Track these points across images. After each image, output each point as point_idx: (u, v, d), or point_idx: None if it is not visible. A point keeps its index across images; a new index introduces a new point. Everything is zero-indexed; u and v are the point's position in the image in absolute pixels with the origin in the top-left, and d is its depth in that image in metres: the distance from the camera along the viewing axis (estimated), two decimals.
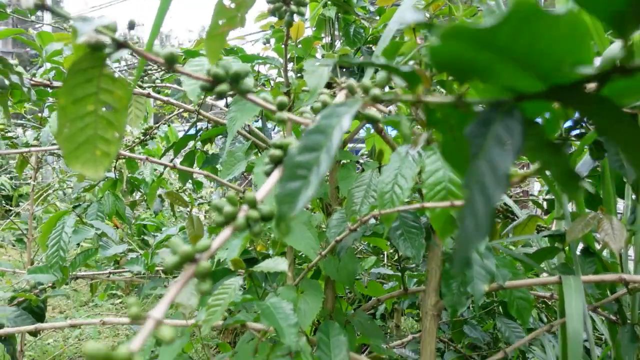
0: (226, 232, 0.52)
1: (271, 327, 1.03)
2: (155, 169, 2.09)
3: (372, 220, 1.14)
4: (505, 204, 1.61)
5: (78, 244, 1.31)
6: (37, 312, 1.25)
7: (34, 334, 1.22)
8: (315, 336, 0.99)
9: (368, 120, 0.57)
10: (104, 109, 0.59)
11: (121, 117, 0.59)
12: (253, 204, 0.54)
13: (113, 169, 1.63)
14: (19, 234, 3.06)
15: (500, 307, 1.58)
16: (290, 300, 0.92)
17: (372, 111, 0.57)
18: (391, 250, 1.95)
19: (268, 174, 0.61)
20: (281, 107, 0.65)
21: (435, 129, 0.60)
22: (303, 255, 1.24)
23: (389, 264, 1.92)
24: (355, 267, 1.18)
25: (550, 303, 1.71)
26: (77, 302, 3.45)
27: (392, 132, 1.33)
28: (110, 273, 1.39)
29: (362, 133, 1.61)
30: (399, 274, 1.31)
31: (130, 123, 1.49)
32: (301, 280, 1.05)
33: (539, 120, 0.39)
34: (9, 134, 2.04)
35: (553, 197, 1.41)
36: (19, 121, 2.19)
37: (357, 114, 0.56)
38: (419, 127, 0.80)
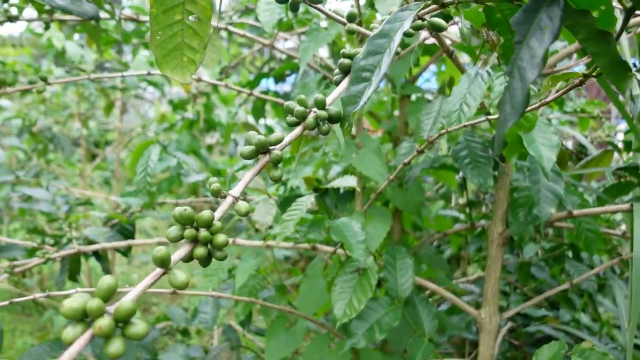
0: (297, 130, 0.57)
1: (339, 250, 1.08)
2: (230, 112, 2.18)
3: (441, 151, 1.16)
4: (580, 144, 1.57)
5: (162, 172, 1.41)
6: (126, 234, 1.37)
7: (124, 252, 1.34)
8: (382, 258, 1.03)
9: (433, 28, 0.59)
10: (190, 18, 0.64)
11: (205, 27, 0.64)
12: (322, 105, 0.58)
13: (191, 108, 1.72)
14: (106, 176, 3.28)
15: (569, 251, 1.57)
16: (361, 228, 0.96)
17: (438, 19, 0.59)
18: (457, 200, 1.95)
19: (337, 82, 0.64)
20: (351, 18, 0.68)
21: (497, 32, 0.61)
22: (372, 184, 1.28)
23: (456, 207, 1.92)
24: (423, 198, 1.21)
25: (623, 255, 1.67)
26: (164, 227, 3.66)
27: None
28: (190, 201, 1.50)
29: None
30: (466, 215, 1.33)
31: (205, 65, 1.56)
32: (369, 207, 1.09)
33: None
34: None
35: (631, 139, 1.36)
36: (105, 65, 2.33)
37: (422, 23, 0.58)
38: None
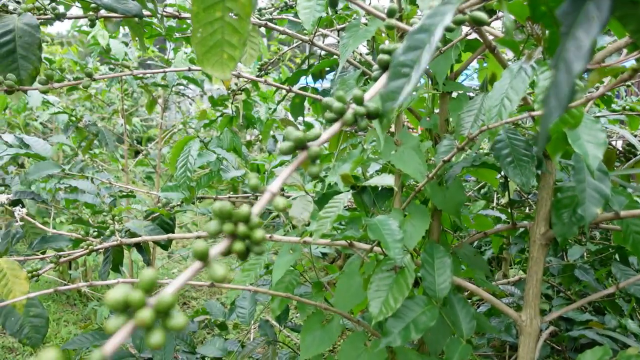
0: (335, 126, 0.56)
1: (376, 247, 1.07)
2: (270, 108, 2.19)
3: (482, 150, 1.13)
4: (629, 144, 1.51)
5: (202, 167, 1.43)
6: (166, 228, 1.39)
7: (164, 246, 1.37)
8: (420, 257, 1.02)
9: (475, 23, 0.58)
10: (230, 15, 0.64)
11: (244, 24, 0.64)
12: (360, 102, 0.57)
13: (231, 104, 1.74)
14: (148, 171, 3.36)
15: (616, 254, 1.51)
16: (399, 226, 0.95)
17: (480, 13, 0.57)
18: (499, 198, 1.91)
19: (376, 79, 0.63)
20: (391, 14, 0.67)
21: (542, 25, 0.59)
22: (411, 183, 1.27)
23: (498, 208, 1.89)
24: (463, 197, 1.18)
25: None
26: (203, 222, 3.73)
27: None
28: (229, 197, 1.51)
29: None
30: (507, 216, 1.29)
31: (244, 62, 1.57)
32: (408, 205, 1.08)
33: None
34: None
35: None
36: (147, 62, 2.38)
37: (463, 17, 0.57)
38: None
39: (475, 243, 1.89)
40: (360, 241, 1.09)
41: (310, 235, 0.95)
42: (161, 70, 0.93)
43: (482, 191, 2.05)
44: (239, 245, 0.46)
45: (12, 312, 1.19)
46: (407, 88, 0.53)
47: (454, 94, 1.28)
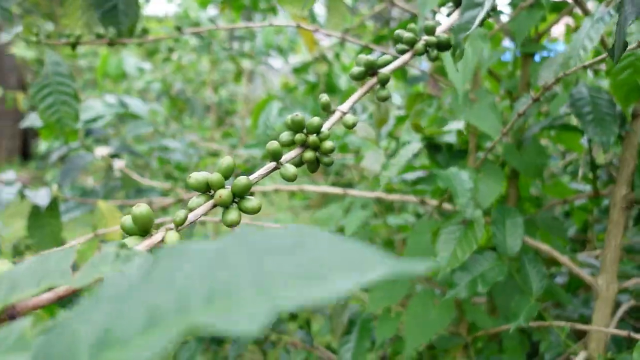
0: (406, 56, 0.59)
1: (446, 205, 1.08)
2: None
3: (562, 110, 1.10)
4: None
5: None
6: None
7: None
8: (491, 215, 1.02)
9: None
10: None
11: None
12: (432, 32, 0.59)
13: (314, 72, 1.78)
14: (232, 144, 3.50)
15: None
16: (471, 178, 0.95)
17: None
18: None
19: (449, 14, 0.65)
20: None
21: None
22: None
23: (583, 179, 1.81)
24: (545, 161, 1.15)
25: None
26: (279, 179, 3.85)
27: None
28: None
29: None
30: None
31: (329, 27, 1.60)
32: (483, 165, 1.08)
33: None
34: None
35: None
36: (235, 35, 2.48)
37: None
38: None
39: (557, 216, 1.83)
40: (432, 195, 1.10)
41: (378, 184, 0.97)
42: (251, 24, 0.98)
43: (569, 169, 1.97)
44: (309, 154, 0.50)
45: None
46: (480, 15, 0.54)
47: (537, 58, 1.24)
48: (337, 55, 2.19)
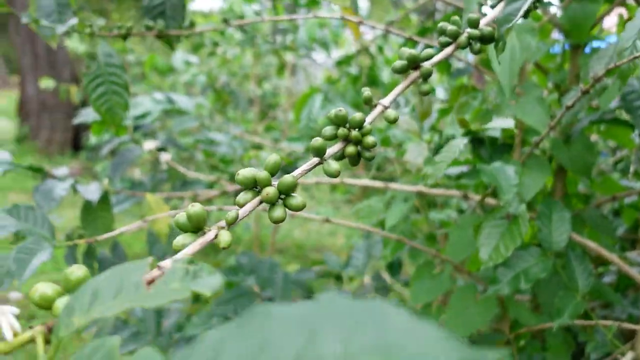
0: (449, 49, 0.58)
1: (490, 200, 1.07)
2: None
3: (612, 104, 1.07)
4: None
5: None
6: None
7: None
8: (537, 209, 1.00)
9: None
10: None
11: None
12: (475, 25, 0.58)
13: (356, 64, 1.78)
14: (275, 137, 3.54)
15: None
16: (516, 173, 0.94)
17: None
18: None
19: (493, 6, 0.64)
20: None
21: None
22: None
23: (634, 177, 1.75)
24: (594, 157, 1.12)
25: None
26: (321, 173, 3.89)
27: None
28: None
29: None
30: None
31: (372, 19, 1.60)
32: (528, 157, 1.05)
33: None
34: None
35: None
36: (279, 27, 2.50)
37: None
38: None
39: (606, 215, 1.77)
40: (475, 190, 1.09)
41: (424, 179, 0.97)
42: (295, 17, 0.99)
43: (619, 165, 1.91)
44: (351, 149, 0.50)
45: (157, 241, 1.34)
46: (524, 7, 0.53)
47: (588, 50, 1.21)
48: (379, 48, 2.18)
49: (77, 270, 0.31)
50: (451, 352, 0.20)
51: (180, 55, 2.20)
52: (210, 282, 0.29)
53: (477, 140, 1.14)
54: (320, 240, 3.69)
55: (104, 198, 1.12)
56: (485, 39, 0.57)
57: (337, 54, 2.75)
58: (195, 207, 0.40)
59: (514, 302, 1.14)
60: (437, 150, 1.09)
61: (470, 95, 1.21)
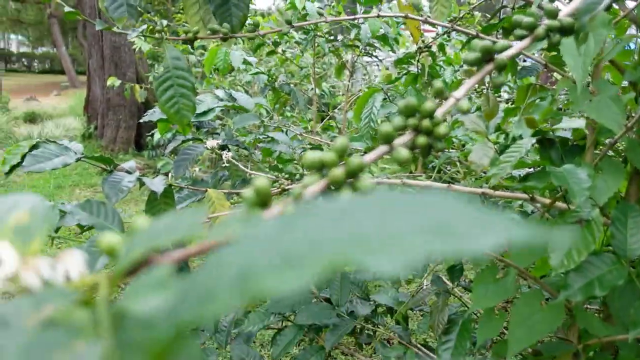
0: (525, 41, 0.56)
1: (560, 204, 1.02)
2: (456, 71, 2.15)
3: None
4: None
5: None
6: None
7: None
8: (611, 214, 0.95)
9: None
10: None
11: None
12: (554, 15, 0.56)
13: (416, 62, 1.76)
14: (333, 135, 3.54)
15: None
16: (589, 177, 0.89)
17: None
18: None
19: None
20: None
21: None
22: None
23: None
24: None
25: None
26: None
27: None
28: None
29: None
30: None
31: (435, 18, 1.57)
32: (601, 159, 1.00)
33: None
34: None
35: None
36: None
37: None
38: None
39: None
40: (541, 193, 1.05)
41: (487, 182, 0.94)
42: (360, 16, 0.98)
43: None
44: (422, 139, 0.49)
45: None
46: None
47: None
48: (441, 47, 2.14)
49: (142, 221, 0.33)
50: (516, 228, 0.18)
51: (239, 55, 2.23)
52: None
53: (546, 141, 1.09)
54: None
55: (168, 192, 1.15)
56: (565, 30, 0.54)
57: (397, 52, 2.72)
58: (262, 181, 0.40)
59: (583, 311, 1.08)
60: (502, 151, 1.06)
61: (538, 95, 1.16)
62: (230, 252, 0.22)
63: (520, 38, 0.55)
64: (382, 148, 0.45)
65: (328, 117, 3.35)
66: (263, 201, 0.40)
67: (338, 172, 0.39)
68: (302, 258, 0.20)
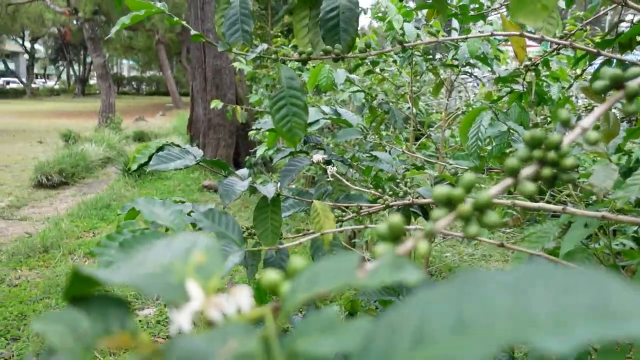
0: None
1: None
2: (563, 87, 2.06)
3: None
4: None
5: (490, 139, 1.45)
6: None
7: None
8: None
9: None
10: None
11: None
12: None
13: (522, 81, 1.70)
14: (429, 154, 3.50)
15: None
16: None
17: None
18: None
19: None
20: None
21: None
22: None
23: None
24: None
25: None
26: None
27: None
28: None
29: None
30: None
31: (540, 32, 1.52)
32: None
33: None
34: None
35: None
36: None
37: None
38: None
39: None
40: None
41: (614, 207, 0.89)
42: (464, 36, 0.98)
43: None
44: (547, 171, 0.48)
45: (321, 246, 1.40)
46: None
47: None
48: (545, 62, 2.06)
49: (299, 261, 0.35)
50: None
51: (342, 73, 2.27)
52: (413, 273, 0.31)
53: None
54: (472, 263, 3.56)
55: (275, 200, 1.20)
56: None
57: (497, 69, 2.65)
58: (395, 218, 0.41)
59: None
60: (625, 173, 1.00)
61: None
62: (408, 310, 0.24)
63: None
64: (507, 181, 0.45)
65: (425, 135, 3.31)
66: (395, 236, 0.41)
67: (466, 207, 0.40)
68: (474, 325, 0.21)
